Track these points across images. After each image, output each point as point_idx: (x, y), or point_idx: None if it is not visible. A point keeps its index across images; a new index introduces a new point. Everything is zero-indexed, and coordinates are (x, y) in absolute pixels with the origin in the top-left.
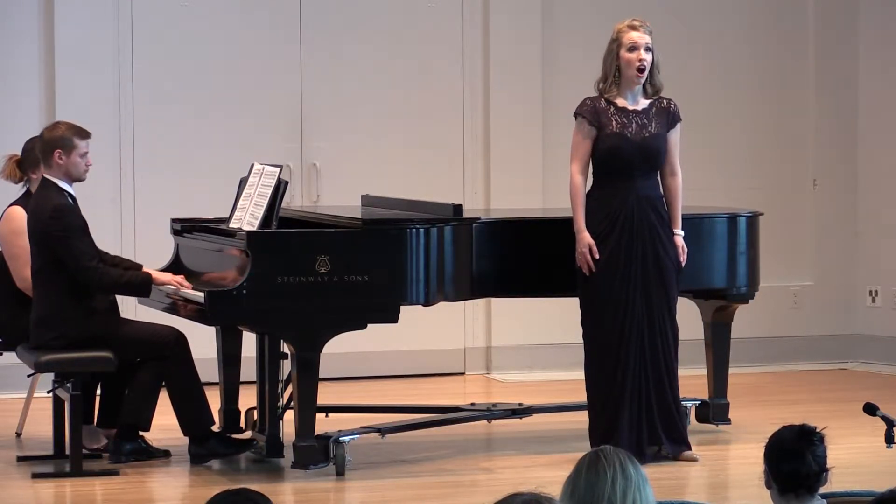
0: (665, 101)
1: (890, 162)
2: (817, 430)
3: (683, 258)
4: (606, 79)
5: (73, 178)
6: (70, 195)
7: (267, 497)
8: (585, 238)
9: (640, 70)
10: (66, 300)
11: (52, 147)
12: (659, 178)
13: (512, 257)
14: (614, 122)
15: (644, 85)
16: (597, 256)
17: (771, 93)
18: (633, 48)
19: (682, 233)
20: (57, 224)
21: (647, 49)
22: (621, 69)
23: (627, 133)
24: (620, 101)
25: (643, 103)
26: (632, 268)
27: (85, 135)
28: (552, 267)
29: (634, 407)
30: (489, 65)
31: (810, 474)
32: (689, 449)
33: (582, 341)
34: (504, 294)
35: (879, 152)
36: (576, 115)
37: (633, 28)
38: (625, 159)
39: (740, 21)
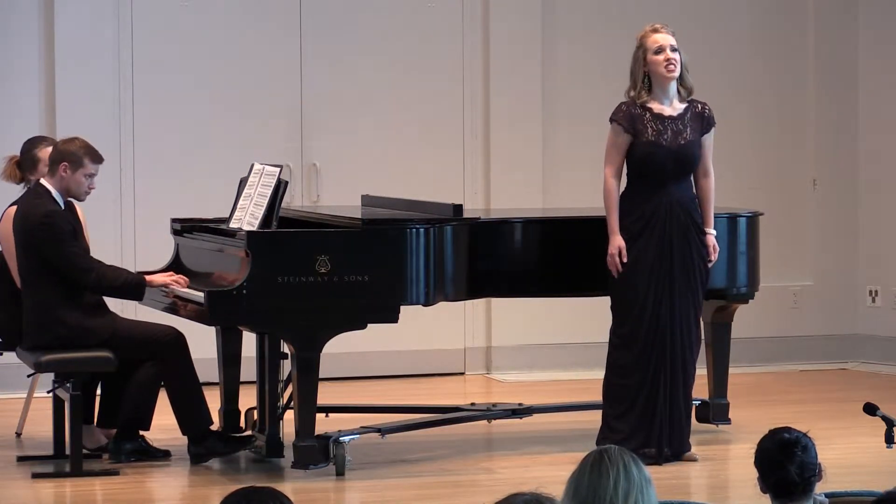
0: (699, 106)
1: (890, 162)
2: (800, 438)
3: (714, 257)
4: (636, 86)
5: (70, 195)
6: (59, 205)
7: (289, 499)
8: (617, 241)
9: (670, 68)
10: (60, 303)
11: (61, 159)
12: (692, 178)
13: (512, 257)
14: (650, 130)
15: (677, 86)
16: (625, 260)
17: (771, 93)
18: (660, 50)
19: (714, 232)
20: (47, 230)
21: (674, 49)
22: (650, 73)
23: (663, 140)
24: (656, 107)
25: (679, 107)
26: (661, 269)
27: (98, 158)
28: (553, 267)
29: (658, 409)
30: (489, 65)
31: (799, 482)
32: (690, 450)
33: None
34: (504, 294)
35: (879, 152)
36: (611, 120)
37: (656, 31)
38: (658, 165)
39: (740, 21)
